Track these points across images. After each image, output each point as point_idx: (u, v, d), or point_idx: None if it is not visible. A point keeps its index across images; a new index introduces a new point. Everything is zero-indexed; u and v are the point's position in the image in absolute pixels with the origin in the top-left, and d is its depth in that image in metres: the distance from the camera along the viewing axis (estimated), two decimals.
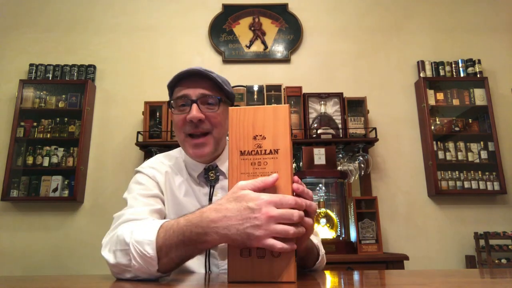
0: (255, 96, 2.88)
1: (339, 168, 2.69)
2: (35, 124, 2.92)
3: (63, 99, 2.97)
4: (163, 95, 2.79)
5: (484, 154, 2.90)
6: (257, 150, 0.67)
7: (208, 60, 3.13)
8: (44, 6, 3.23)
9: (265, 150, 0.67)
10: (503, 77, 3.15)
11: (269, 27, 3.23)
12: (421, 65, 3.10)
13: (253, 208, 0.62)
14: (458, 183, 2.85)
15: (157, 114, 2.82)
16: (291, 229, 0.62)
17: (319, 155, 2.51)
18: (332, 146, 2.63)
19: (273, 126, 0.67)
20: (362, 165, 2.74)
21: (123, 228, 0.80)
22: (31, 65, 3.00)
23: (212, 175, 1.02)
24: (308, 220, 0.65)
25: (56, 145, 2.90)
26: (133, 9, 3.25)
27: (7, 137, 2.85)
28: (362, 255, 2.36)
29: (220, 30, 3.20)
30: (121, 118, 3.01)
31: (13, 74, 3.04)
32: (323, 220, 2.47)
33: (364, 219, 2.46)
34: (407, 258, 2.35)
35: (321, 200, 2.55)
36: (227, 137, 0.87)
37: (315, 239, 0.97)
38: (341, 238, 2.53)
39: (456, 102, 3.02)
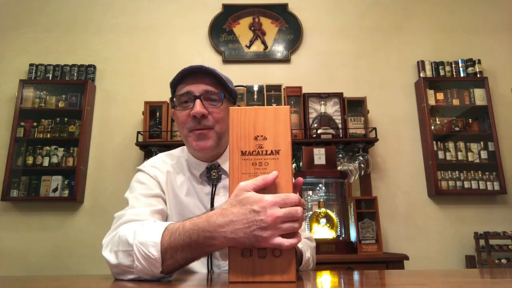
0: (255, 96, 2.89)
1: (339, 168, 2.69)
2: (35, 124, 2.92)
3: (63, 99, 2.97)
4: (163, 95, 2.83)
5: (484, 154, 2.90)
6: (258, 151, 0.67)
7: (208, 60, 3.13)
8: (44, 6, 3.23)
9: (266, 151, 0.67)
10: (503, 77, 3.15)
11: (269, 27, 3.23)
12: (421, 65, 3.10)
13: (258, 210, 0.62)
14: (458, 183, 2.85)
15: (157, 114, 2.82)
16: (296, 224, 0.64)
17: (319, 155, 2.51)
18: (332, 146, 2.63)
19: (274, 127, 0.68)
20: (362, 165, 2.74)
21: (125, 229, 0.79)
22: (31, 65, 3.00)
23: (214, 174, 1.02)
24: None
25: (56, 145, 2.90)
26: (133, 9, 3.25)
27: (7, 137, 2.85)
28: (362, 255, 2.35)
29: (220, 30, 3.20)
30: (121, 118, 3.01)
31: (13, 74, 3.04)
32: (323, 220, 2.46)
33: (364, 219, 2.46)
34: (407, 258, 2.35)
35: (321, 200, 2.55)
36: None
37: (305, 245, 0.98)
38: (341, 238, 2.53)
39: (456, 102, 3.02)
